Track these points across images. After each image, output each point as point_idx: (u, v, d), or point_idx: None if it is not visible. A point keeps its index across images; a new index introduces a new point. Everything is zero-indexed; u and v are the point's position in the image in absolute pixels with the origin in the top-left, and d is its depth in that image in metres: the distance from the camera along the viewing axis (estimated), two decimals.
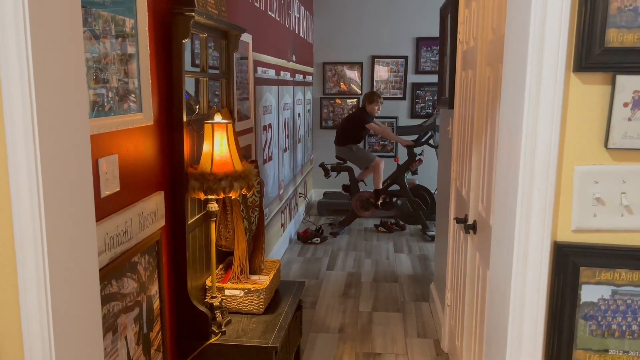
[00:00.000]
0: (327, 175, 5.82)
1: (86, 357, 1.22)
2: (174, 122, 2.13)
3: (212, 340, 2.27)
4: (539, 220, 1.21)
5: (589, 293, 1.21)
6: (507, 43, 1.35)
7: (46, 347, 1.10)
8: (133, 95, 1.83)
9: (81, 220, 1.18)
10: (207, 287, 2.50)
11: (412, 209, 5.64)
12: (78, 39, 1.16)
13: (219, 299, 2.41)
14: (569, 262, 1.21)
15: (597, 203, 1.20)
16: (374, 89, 6.91)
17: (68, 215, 1.14)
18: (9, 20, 0.99)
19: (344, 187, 5.89)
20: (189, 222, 2.25)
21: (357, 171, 5.97)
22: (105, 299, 1.65)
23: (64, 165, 1.12)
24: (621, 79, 1.15)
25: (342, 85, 7.05)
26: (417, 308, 3.82)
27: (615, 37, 1.14)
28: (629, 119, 1.16)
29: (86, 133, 1.20)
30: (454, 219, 2.79)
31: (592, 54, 1.14)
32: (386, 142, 6.98)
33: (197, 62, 2.52)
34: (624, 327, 1.22)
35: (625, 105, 1.15)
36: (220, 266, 2.74)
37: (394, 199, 5.67)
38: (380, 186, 5.71)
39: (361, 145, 6.02)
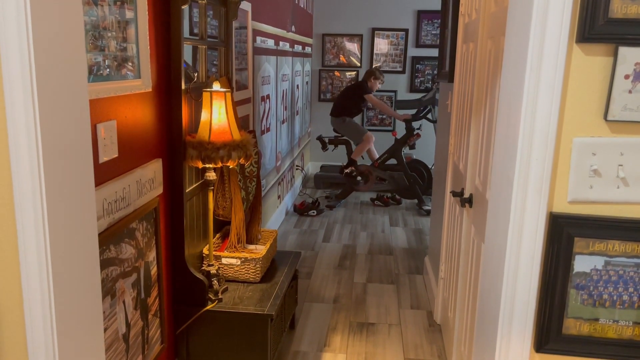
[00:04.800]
0: (324, 148, 5.81)
1: (86, 319, 1.24)
2: (172, 89, 2.12)
3: (209, 307, 2.30)
4: (536, 190, 1.22)
5: (582, 263, 1.23)
6: (510, 13, 1.34)
7: (46, 309, 1.11)
8: (131, 61, 1.81)
9: (80, 185, 1.19)
10: (204, 255, 2.52)
11: (409, 183, 5.66)
12: (76, 1, 1.14)
13: (216, 267, 2.44)
14: (564, 233, 1.22)
15: (593, 175, 1.20)
16: (374, 63, 6.86)
17: (67, 179, 1.14)
18: None
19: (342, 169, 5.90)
20: (186, 191, 2.26)
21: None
22: (104, 264, 1.67)
23: (63, 129, 1.11)
24: (623, 51, 1.14)
25: (342, 58, 6.98)
26: (411, 280, 3.87)
27: (620, 8, 1.13)
28: (630, 91, 1.16)
29: (85, 96, 1.19)
30: (450, 192, 2.80)
31: (596, 24, 1.14)
32: (384, 117, 6.96)
33: (196, 30, 2.49)
34: (614, 297, 1.24)
35: (627, 77, 1.15)
36: (218, 235, 2.76)
37: (358, 178, 5.68)
38: (357, 158, 5.72)
39: (355, 119, 6.00)
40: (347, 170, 5.67)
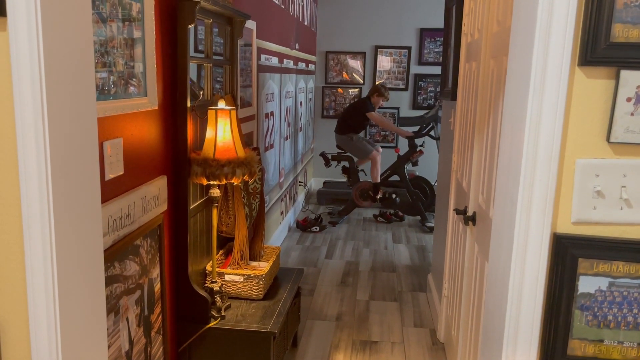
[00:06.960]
0: (327, 164, 5.83)
1: (91, 336, 1.24)
2: (178, 107, 2.14)
3: (212, 324, 2.30)
4: (540, 211, 1.22)
5: (587, 284, 1.23)
6: (513, 36, 1.36)
7: (52, 326, 1.12)
8: (138, 80, 1.83)
9: (87, 202, 1.20)
10: (207, 272, 2.52)
11: (412, 200, 5.66)
12: (87, 21, 1.16)
13: (219, 284, 2.44)
14: (568, 254, 1.23)
15: (597, 196, 1.21)
16: (377, 80, 6.90)
17: (75, 196, 1.15)
18: (21, 3, 0.99)
19: (344, 169, 5.87)
20: (190, 207, 2.27)
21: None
22: (108, 281, 1.67)
23: (71, 147, 1.13)
24: (625, 74, 1.16)
25: (345, 75, 7.03)
26: (414, 298, 3.85)
27: (621, 32, 1.15)
28: (632, 114, 1.17)
29: (93, 115, 1.21)
30: (453, 210, 2.81)
31: (598, 48, 1.15)
32: (387, 133, 6.99)
33: (201, 47, 2.52)
34: (619, 318, 1.24)
35: (629, 100, 1.17)
36: (221, 252, 2.77)
37: (394, 196, 5.67)
38: (379, 180, 5.70)
39: (362, 135, 6.01)
40: (379, 196, 5.65)
